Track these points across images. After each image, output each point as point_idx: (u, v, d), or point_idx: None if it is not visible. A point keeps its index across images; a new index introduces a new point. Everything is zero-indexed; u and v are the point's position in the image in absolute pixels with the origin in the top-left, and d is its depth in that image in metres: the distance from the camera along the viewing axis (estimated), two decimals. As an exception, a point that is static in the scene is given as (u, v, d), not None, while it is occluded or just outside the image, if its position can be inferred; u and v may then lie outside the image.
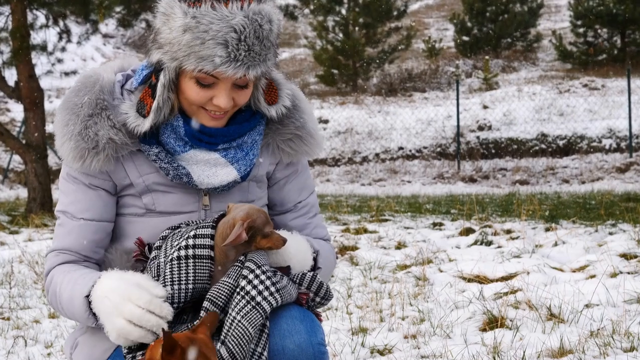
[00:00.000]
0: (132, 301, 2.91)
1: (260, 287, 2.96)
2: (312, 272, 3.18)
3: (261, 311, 2.93)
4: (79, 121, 3.17)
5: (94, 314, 3.03)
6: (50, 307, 3.24)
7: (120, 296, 2.93)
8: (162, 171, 3.22)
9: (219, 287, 2.97)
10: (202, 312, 2.93)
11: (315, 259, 3.30)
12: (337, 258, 3.58)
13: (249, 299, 2.95)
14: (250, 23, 2.97)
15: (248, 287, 2.95)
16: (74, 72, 21.03)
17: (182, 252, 3.00)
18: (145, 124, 3.14)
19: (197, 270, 3.01)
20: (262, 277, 2.97)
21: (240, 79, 3.07)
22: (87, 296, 3.03)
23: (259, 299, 2.95)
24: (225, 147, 3.24)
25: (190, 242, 3.01)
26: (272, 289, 2.97)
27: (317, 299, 3.17)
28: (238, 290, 2.96)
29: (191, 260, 3.00)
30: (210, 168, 3.24)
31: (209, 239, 3.02)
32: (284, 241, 3.10)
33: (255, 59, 3.01)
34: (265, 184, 3.46)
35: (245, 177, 3.30)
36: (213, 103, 3.10)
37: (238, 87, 3.12)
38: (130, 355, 2.98)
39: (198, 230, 3.04)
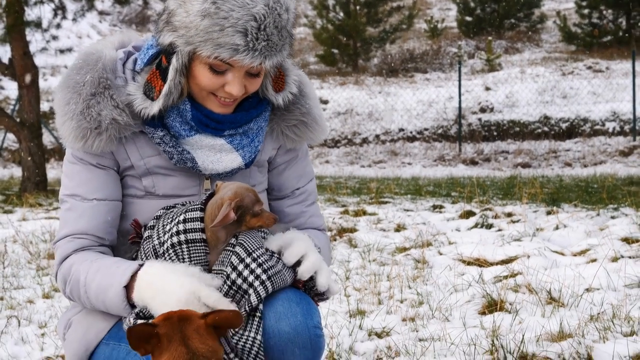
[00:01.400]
0: (202, 299, 2.92)
1: (251, 279, 2.97)
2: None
3: (252, 302, 2.97)
4: (81, 100, 3.14)
5: (131, 305, 3.03)
6: (70, 298, 3.20)
7: (186, 292, 2.92)
8: (166, 155, 3.20)
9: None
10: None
11: None
12: (334, 241, 3.58)
13: (242, 294, 2.99)
14: (270, 12, 2.96)
15: (239, 281, 2.98)
16: (69, 50, 20.98)
17: (175, 239, 3.00)
18: (153, 108, 3.12)
19: (192, 255, 3.02)
20: (253, 265, 2.98)
21: (254, 68, 3.06)
22: (126, 286, 3.02)
23: (250, 291, 2.98)
24: (231, 134, 3.24)
25: (181, 227, 3.01)
26: (264, 277, 2.98)
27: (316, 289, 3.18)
28: (229, 283, 2.98)
29: (185, 246, 3.01)
30: (215, 154, 3.24)
31: (199, 222, 3.02)
32: (275, 219, 3.10)
33: (272, 49, 3.00)
34: (266, 169, 3.46)
35: (250, 164, 3.30)
36: (225, 90, 3.09)
37: (250, 75, 3.11)
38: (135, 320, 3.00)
39: (187, 214, 3.04)
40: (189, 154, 3.20)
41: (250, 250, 2.99)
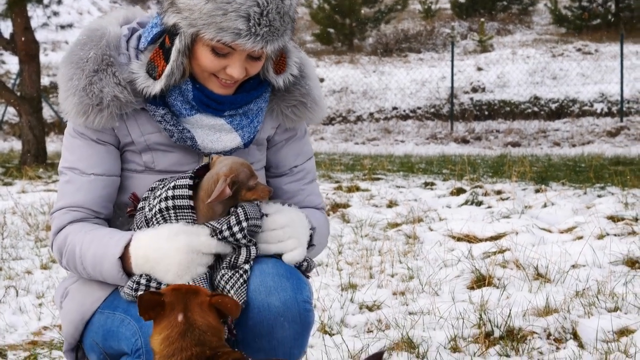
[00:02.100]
0: (200, 250, 2.96)
1: (244, 241, 3.01)
2: None
3: (240, 259, 3.02)
4: (84, 76, 3.13)
5: (128, 274, 3.04)
6: (67, 268, 3.21)
7: (186, 249, 2.95)
8: (166, 133, 3.19)
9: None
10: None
11: (311, 236, 3.25)
12: (328, 216, 3.56)
13: (242, 272, 3.00)
14: None
15: (230, 239, 2.99)
16: (70, 26, 20.93)
17: (163, 204, 3.01)
18: (155, 87, 3.11)
19: (179, 220, 3.01)
20: (247, 229, 3.00)
21: (256, 52, 3.05)
22: (122, 257, 3.03)
23: (242, 251, 3.02)
24: (231, 114, 3.23)
25: (170, 193, 3.01)
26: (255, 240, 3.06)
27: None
28: (219, 237, 2.99)
29: (172, 212, 3.00)
30: (215, 133, 3.23)
31: (187, 189, 3.01)
32: (270, 191, 3.10)
33: (274, 34, 2.99)
34: (265, 147, 3.45)
35: (249, 144, 3.29)
36: (226, 72, 3.08)
37: (252, 59, 3.09)
38: (134, 284, 3.03)
39: (177, 181, 3.04)
40: (189, 133, 3.19)
41: (249, 216, 2.99)
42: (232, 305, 2.75)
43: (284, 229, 3.10)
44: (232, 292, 2.96)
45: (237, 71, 3.06)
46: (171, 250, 2.93)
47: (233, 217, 2.99)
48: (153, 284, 2.98)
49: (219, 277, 3.01)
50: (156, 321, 2.73)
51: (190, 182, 3.03)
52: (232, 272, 3.00)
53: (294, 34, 3.22)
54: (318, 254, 3.45)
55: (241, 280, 2.98)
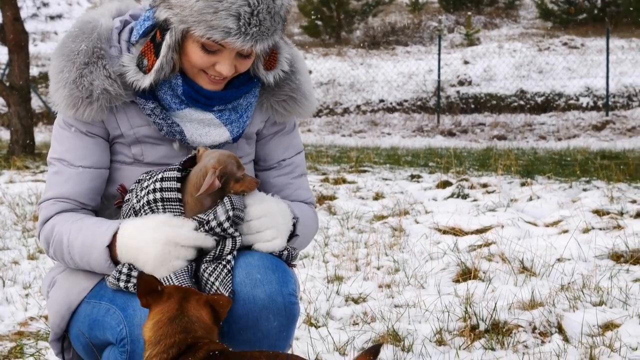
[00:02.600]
0: (179, 243, 2.97)
1: (230, 230, 3.02)
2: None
3: (225, 249, 3.03)
4: (74, 69, 3.13)
5: (115, 262, 3.05)
6: (54, 258, 3.22)
7: (165, 240, 2.96)
8: (155, 126, 3.19)
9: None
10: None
11: (294, 226, 3.25)
12: (316, 212, 3.54)
13: (225, 263, 2.99)
14: None
15: (217, 229, 3.00)
16: (59, 16, 20.89)
17: (151, 196, 3.01)
18: (145, 81, 3.11)
19: (167, 212, 3.02)
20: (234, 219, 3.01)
21: (245, 50, 3.04)
22: (109, 246, 3.04)
23: (227, 242, 3.03)
24: (220, 109, 3.23)
25: (158, 185, 3.02)
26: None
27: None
28: (206, 228, 3.00)
29: (160, 204, 3.01)
30: (204, 127, 3.23)
31: (174, 182, 3.02)
32: (257, 182, 3.11)
33: (264, 33, 2.99)
34: (254, 140, 3.45)
35: (237, 138, 3.29)
36: (215, 69, 3.08)
37: (241, 56, 3.10)
38: (117, 273, 3.03)
39: (165, 173, 3.04)
40: (178, 127, 3.20)
41: (235, 206, 3.00)
42: (224, 301, 2.77)
43: (260, 220, 3.09)
44: (217, 283, 2.96)
45: (226, 68, 3.07)
46: (150, 241, 2.95)
47: (220, 207, 2.99)
48: (134, 274, 2.98)
49: (202, 270, 3.00)
50: (151, 308, 2.75)
51: (178, 174, 3.04)
52: (216, 264, 2.99)
53: (284, 32, 3.21)
54: (304, 245, 3.43)
55: (225, 271, 2.98)
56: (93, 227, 3.09)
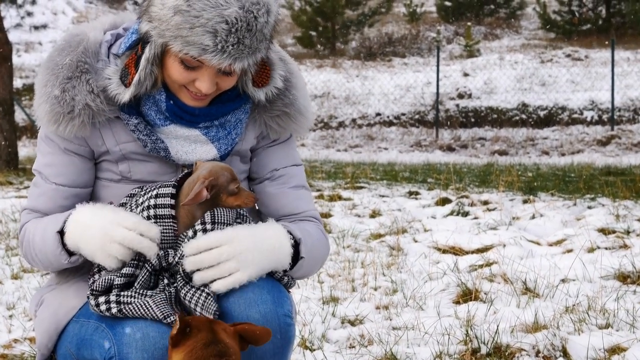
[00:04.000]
0: (121, 224, 2.96)
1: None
2: None
3: (215, 297, 2.97)
4: (57, 83, 3.14)
5: (67, 251, 3.07)
6: (27, 260, 3.25)
7: (107, 221, 2.97)
8: (139, 142, 3.19)
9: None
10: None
11: (297, 247, 3.16)
12: (324, 230, 3.47)
13: (202, 289, 2.99)
14: (244, 14, 2.91)
15: (190, 233, 3.01)
16: (44, 26, 20.93)
17: (145, 213, 3.02)
18: (125, 95, 3.11)
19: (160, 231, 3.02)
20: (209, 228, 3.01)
21: (226, 67, 3.02)
22: (60, 232, 3.07)
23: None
24: (207, 125, 3.22)
25: (152, 202, 3.02)
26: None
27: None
28: (182, 236, 3.02)
29: (153, 221, 3.00)
30: (190, 144, 3.22)
31: (169, 198, 3.02)
32: (255, 198, 3.08)
33: (243, 51, 2.96)
34: (249, 158, 3.42)
35: (226, 156, 3.27)
36: (195, 85, 3.07)
37: (223, 73, 3.08)
38: (95, 300, 3.01)
39: (160, 189, 3.05)
40: (163, 143, 3.19)
41: (217, 220, 3.00)
42: (262, 332, 2.77)
43: (219, 249, 2.97)
44: (198, 309, 2.95)
45: (206, 85, 3.05)
46: (96, 221, 3.00)
47: (199, 220, 3.00)
48: (112, 298, 2.97)
49: (182, 296, 3.00)
50: (180, 343, 2.74)
51: (173, 190, 3.04)
52: (189, 287, 2.98)
53: (270, 52, 3.19)
54: (313, 269, 3.34)
55: (204, 294, 2.96)
56: (52, 219, 3.14)
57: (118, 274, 2.99)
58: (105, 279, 2.99)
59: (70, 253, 3.09)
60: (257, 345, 2.79)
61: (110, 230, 2.96)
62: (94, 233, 2.98)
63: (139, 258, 3.00)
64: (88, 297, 3.01)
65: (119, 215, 2.99)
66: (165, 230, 3.01)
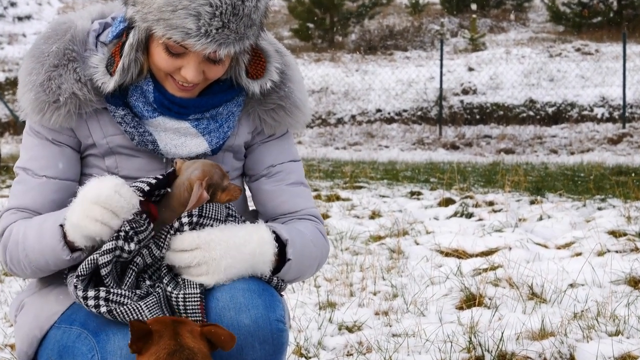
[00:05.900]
0: (98, 186, 2.95)
1: (186, 228, 3.03)
2: None
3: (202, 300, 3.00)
4: (43, 71, 3.14)
5: (67, 243, 3.02)
6: (8, 266, 3.21)
7: (87, 189, 2.96)
8: (127, 135, 3.19)
9: None
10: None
11: (284, 249, 3.15)
12: (323, 229, 3.46)
13: (190, 292, 3.04)
14: None
15: (176, 224, 3.04)
16: (28, 17, 20.92)
17: None
18: (110, 84, 3.11)
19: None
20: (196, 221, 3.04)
21: (212, 54, 3.02)
22: (62, 225, 3.02)
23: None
24: (197, 117, 3.22)
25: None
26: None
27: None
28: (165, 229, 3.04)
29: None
30: (179, 137, 3.22)
31: (141, 194, 3.01)
32: (240, 190, 3.12)
33: (229, 36, 2.95)
34: (242, 154, 3.42)
35: (217, 150, 3.27)
36: (181, 74, 3.07)
37: (210, 62, 3.07)
38: (83, 292, 2.98)
39: (136, 183, 3.05)
40: (151, 136, 3.19)
41: (204, 214, 3.02)
42: (227, 337, 2.75)
43: (192, 252, 3.01)
44: (184, 314, 2.96)
45: (191, 73, 3.05)
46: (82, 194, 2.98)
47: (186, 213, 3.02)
48: (102, 294, 2.94)
49: (173, 299, 3.00)
50: (143, 351, 2.72)
51: (147, 187, 3.02)
52: (178, 289, 3.00)
53: (259, 39, 3.17)
54: (307, 272, 3.34)
55: (190, 298, 2.97)
56: (47, 215, 3.11)
57: (100, 252, 2.93)
58: (89, 260, 2.94)
59: (73, 249, 3.04)
60: (224, 350, 2.77)
61: (87, 193, 2.94)
62: (76, 202, 2.97)
63: (118, 231, 2.96)
64: (75, 286, 2.96)
65: (98, 180, 2.98)
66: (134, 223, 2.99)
